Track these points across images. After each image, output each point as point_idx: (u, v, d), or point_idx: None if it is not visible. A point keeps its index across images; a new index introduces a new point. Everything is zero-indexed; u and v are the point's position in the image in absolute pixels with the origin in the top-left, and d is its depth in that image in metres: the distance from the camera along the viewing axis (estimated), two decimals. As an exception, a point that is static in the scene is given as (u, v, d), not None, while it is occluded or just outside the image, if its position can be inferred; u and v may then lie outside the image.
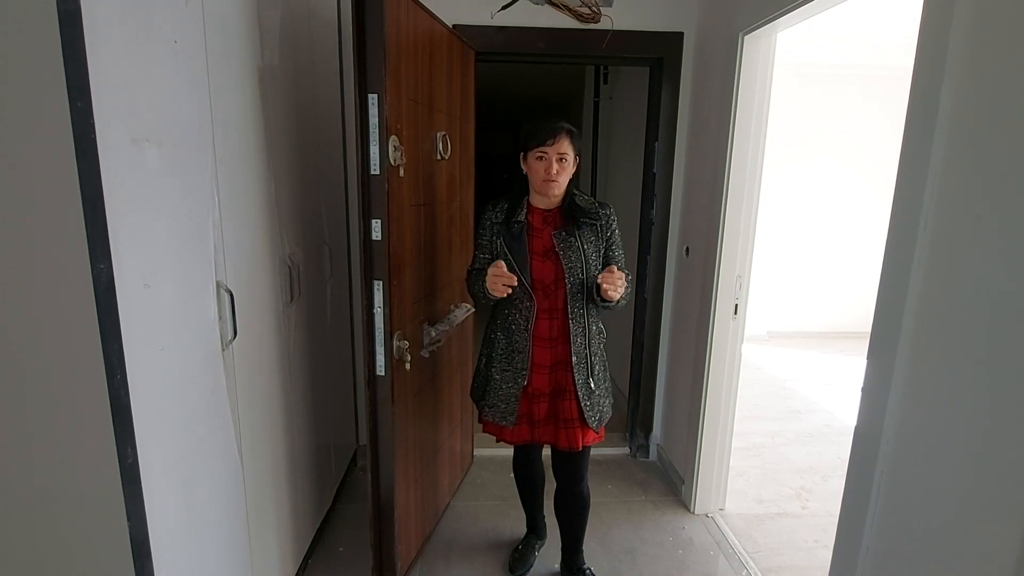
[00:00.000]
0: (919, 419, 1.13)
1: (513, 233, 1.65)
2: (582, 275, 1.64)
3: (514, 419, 1.72)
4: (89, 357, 0.90)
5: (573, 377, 1.68)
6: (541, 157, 1.61)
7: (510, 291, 1.56)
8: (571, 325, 1.66)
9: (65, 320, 0.90)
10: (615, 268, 1.54)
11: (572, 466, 1.80)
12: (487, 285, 1.57)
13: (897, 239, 1.17)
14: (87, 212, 0.86)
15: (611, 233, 1.69)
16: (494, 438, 1.82)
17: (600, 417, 1.73)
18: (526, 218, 1.68)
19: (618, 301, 1.59)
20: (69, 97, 0.83)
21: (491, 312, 1.78)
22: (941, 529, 1.07)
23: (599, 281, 1.54)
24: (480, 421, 1.84)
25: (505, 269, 1.54)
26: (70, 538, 0.98)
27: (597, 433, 1.74)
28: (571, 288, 1.64)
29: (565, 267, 1.63)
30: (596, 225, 1.66)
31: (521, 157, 1.67)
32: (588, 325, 1.68)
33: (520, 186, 1.71)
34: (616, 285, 1.52)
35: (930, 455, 1.10)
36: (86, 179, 0.86)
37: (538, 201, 1.70)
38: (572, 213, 1.66)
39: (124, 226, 0.93)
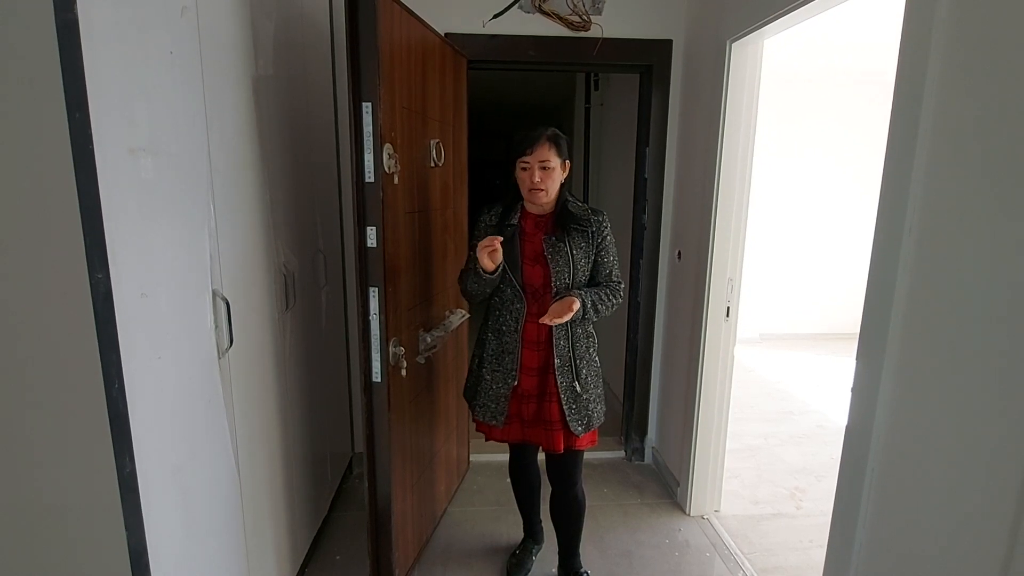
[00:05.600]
0: (908, 418, 1.15)
1: (504, 236, 1.66)
2: (568, 280, 1.66)
3: (504, 419, 1.73)
4: (87, 366, 0.90)
5: (555, 380, 1.69)
6: (524, 167, 1.64)
7: (495, 263, 1.57)
8: (553, 328, 1.67)
9: (63, 330, 0.90)
10: (576, 303, 1.57)
11: (563, 470, 1.81)
12: (477, 253, 1.57)
13: (883, 241, 1.20)
14: (85, 222, 0.87)
15: (602, 239, 1.70)
16: (487, 440, 1.83)
17: (587, 422, 1.72)
18: (519, 222, 1.70)
19: (586, 313, 1.62)
20: (67, 108, 0.83)
21: (484, 315, 1.80)
22: (931, 526, 1.09)
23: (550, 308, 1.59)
24: (473, 420, 1.86)
25: (499, 242, 1.55)
26: (68, 549, 0.97)
27: (580, 438, 1.72)
28: (556, 292, 1.66)
29: (553, 271, 1.64)
30: (587, 231, 1.68)
31: (512, 167, 1.70)
32: (572, 329, 1.69)
33: (514, 192, 1.73)
34: (559, 317, 1.55)
35: (919, 453, 1.12)
36: (84, 189, 0.86)
37: (532, 207, 1.72)
38: (564, 219, 1.68)
39: (121, 236, 0.93)
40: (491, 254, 1.56)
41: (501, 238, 1.57)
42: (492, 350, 1.74)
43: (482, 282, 1.63)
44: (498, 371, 1.73)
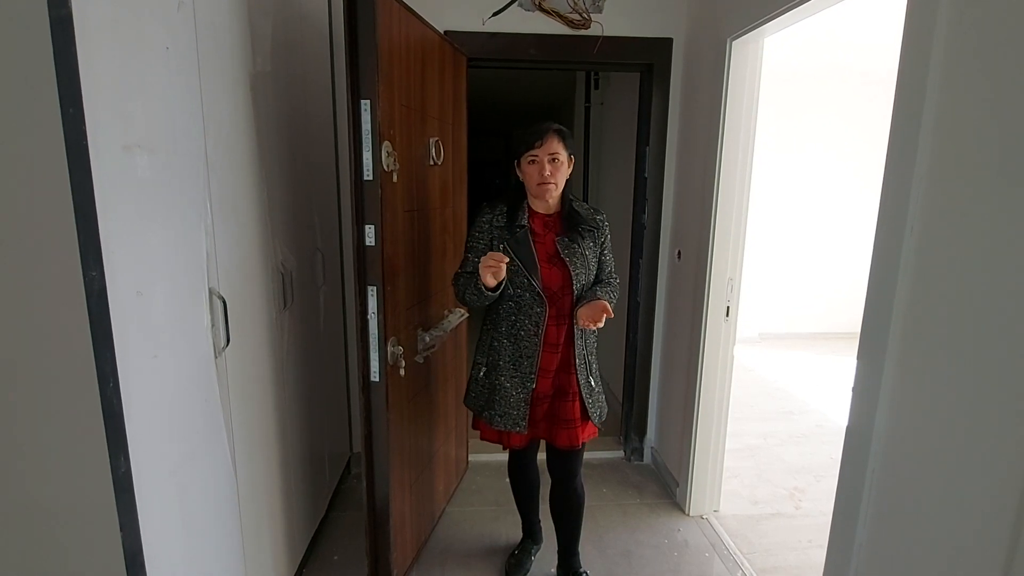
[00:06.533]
0: (909, 418, 1.14)
1: (518, 239, 1.63)
2: (585, 281, 1.67)
3: (526, 424, 1.69)
4: (81, 365, 0.89)
5: (576, 379, 1.69)
6: (533, 160, 1.61)
7: (497, 279, 1.52)
8: (575, 330, 1.67)
9: (57, 328, 0.89)
10: (608, 306, 1.57)
11: (568, 463, 1.81)
12: (479, 267, 1.52)
13: (885, 240, 1.19)
14: (79, 220, 0.86)
15: (605, 239, 1.72)
16: (504, 449, 1.81)
17: (600, 412, 1.76)
18: (528, 222, 1.66)
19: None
20: (61, 104, 0.83)
21: (488, 319, 1.76)
22: (932, 526, 1.08)
23: (578, 313, 1.60)
24: (475, 427, 1.84)
25: (505, 261, 1.51)
26: (62, 549, 0.96)
27: (597, 427, 1.77)
28: (578, 295, 1.65)
29: (572, 273, 1.64)
30: (594, 232, 1.69)
31: (515, 165, 1.67)
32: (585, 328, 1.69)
33: (516, 191, 1.70)
34: (598, 322, 1.56)
35: (920, 454, 1.11)
36: (78, 186, 0.85)
37: (538, 206, 1.69)
38: (572, 219, 1.67)
39: (116, 234, 0.93)
40: (495, 272, 1.51)
41: (507, 258, 1.52)
42: (508, 355, 1.70)
43: (483, 297, 1.60)
44: (516, 377, 1.70)
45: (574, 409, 1.70)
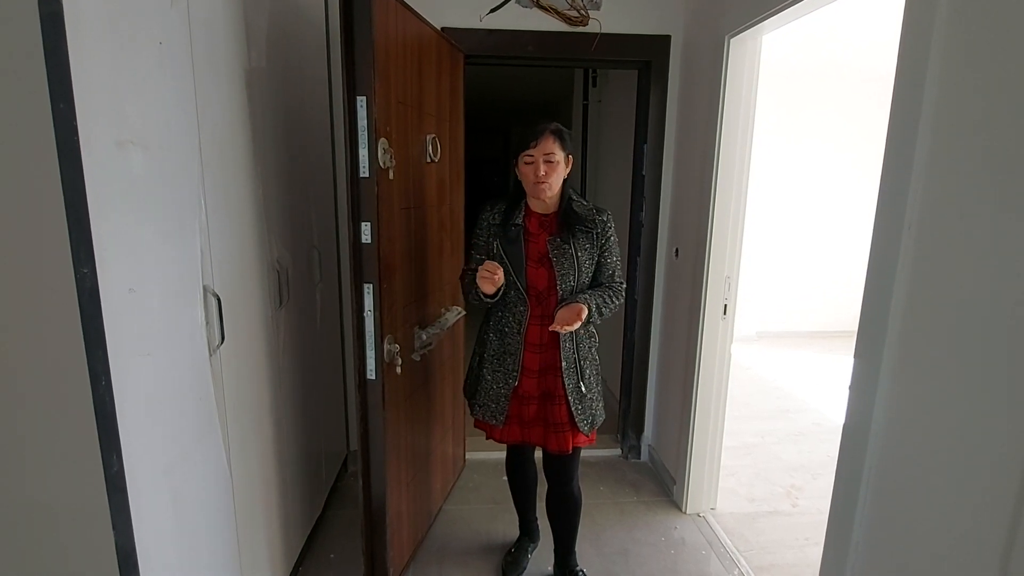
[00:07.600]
0: (906, 416, 1.14)
1: (509, 237, 1.64)
2: (574, 283, 1.64)
3: (504, 418, 1.72)
4: (73, 364, 0.88)
5: (563, 382, 1.68)
6: (528, 161, 1.60)
7: (496, 286, 1.55)
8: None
9: (48, 326, 0.88)
10: (583, 310, 1.54)
11: (562, 467, 1.80)
12: (476, 277, 1.56)
13: (882, 239, 1.19)
14: (70, 216, 0.85)
15: (606, 240, 1.67)
16: (486, 438, 1.82)
17: (592, 421, 1.73)
18: (523, 222, 1.67)
19: (591, 317, 1.59)
20: (51, 99, 0.82)
21: (485, 313, 1.77)
22: (929, 524, 1.08)
23: (556, 315, 1.57)
24: (473, 415, 1.84)
25: (500, 271, 1.53)
26: (55, 549, 0.96)
27: (588, 437, 1.73)
28: (562, 296, 1.63)
29: (558, 275, 1.62)
30: (592, 232, 1.65)
31: (514, 163, 1.67)
32: (576, 331, 1.67)
33: (516, 189, 1.70)
34: (568, 325, 1.52)
35: (917, 452, 1.11)
36: (69, 182, 0.84)
37: (535, 205, 1.68)
38: (568, 219, 1.65)
39: (108, 230, 0.92)
40: (492, 281, 1.53)
41: (501, 269, 1.54)
42: (494, 350, 1.72)
43: (483, 302, 1.66)
44: (499, 371, 1.72)
45: (561, 413, 1.69)
